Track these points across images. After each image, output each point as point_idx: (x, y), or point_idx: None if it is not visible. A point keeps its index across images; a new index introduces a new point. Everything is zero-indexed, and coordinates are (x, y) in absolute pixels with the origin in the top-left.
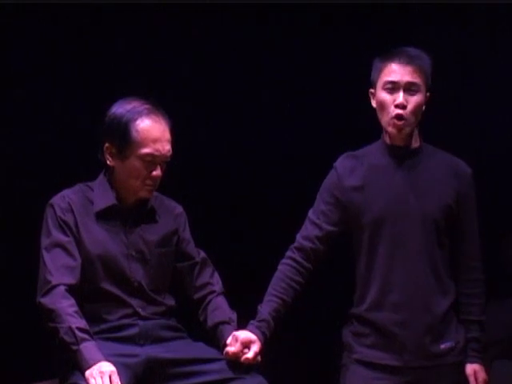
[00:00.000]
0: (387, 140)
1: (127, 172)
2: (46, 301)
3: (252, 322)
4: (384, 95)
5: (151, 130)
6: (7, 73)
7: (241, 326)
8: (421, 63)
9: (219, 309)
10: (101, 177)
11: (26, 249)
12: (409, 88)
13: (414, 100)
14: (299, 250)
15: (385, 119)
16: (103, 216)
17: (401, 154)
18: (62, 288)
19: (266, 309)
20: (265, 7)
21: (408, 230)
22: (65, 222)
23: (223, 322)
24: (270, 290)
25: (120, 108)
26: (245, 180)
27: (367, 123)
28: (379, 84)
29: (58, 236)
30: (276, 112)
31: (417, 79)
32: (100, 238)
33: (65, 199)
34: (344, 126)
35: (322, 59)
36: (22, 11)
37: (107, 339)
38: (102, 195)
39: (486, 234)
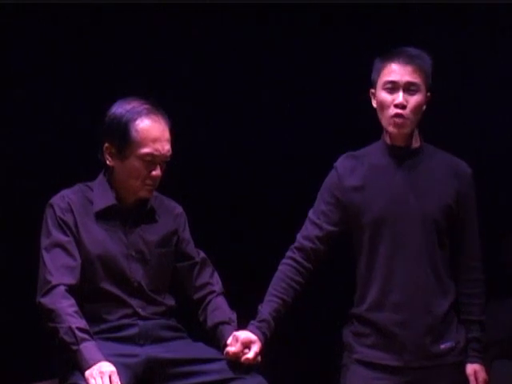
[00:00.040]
0: (387, 140)
1: (127, 172)
2: (46, 301)
3: (252, 322)
4: (384, 95)
5: (151, 129)
6: (7, 73)
7: (241, 326)
8: (421, 63)
9: (219, 309)
10: (100, 177)
11: (26, 249)
12: (408, 88)
13: (414, 100)
14: (299, 250)
15: (385, 119)
16: (103, 216)
17: (401, 154)
18: (62, 288)
19: (266, 309)
20: (265, 7)
21: (408, 230)
22: (64, 222)
23: (223, 322)
24: (270, 290)
25: (119, 108)
26: (245, 180)
27: (367, 123)
28: (379, 84)
29: (58, 236)
30: (276, 112)
31: (417, 79)
32: (100, 238)
33: (64, 199)
34: (344, 125)
35: (322, 59)
36: (22, 11)
37: (107, 339)
38: (101, 195)
39: (486, 234)
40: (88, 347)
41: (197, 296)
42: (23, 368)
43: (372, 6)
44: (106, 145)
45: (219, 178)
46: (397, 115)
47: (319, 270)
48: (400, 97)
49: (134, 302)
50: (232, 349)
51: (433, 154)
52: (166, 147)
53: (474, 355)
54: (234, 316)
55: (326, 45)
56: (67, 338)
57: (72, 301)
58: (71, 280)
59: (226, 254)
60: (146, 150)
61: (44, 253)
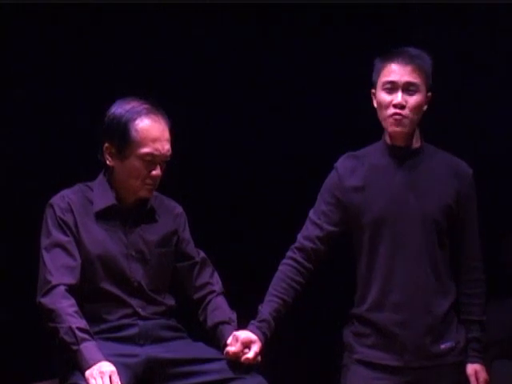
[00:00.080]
0: (388, 140)
1: (127, 172)
2: (46, 301)
3: (252, 322)
4: (383, 95)
5: (150, 129)
6: (7, 73)
7: (241, 325)
8: (421, 63)
9: (219, 309)
10: (100, 177)
11: (26, 249)
12: (407, 88)
13: (413, 100)
14: (300, 250)
15: (384, 119)
16: (103, 216)
17: (401, 155)
18: (62, 288)
19: (266, 309)
20: (265, 7)
21: (408, 231)
22: (64, 222)
23: (223, 322)
24: (270, 290)
25: (119, 108)
26: (245, 180)
27: (367, 123)
28: (379, 84)
29: (58, 236)
30: (276, 112)
31: (416, 79)
32: (100, 238)
33: (64, 199)
34: (344, 126)
35: (322, 59)
36: (22, 11)
37: (107, 339)
38: (101, 195)
39: (486, 234)
40: (88, 347)
41: (197, 296)
42: (23, 368)
43: (372, 6)
44: (106, 145)
45: (219, 178)
46: (395, 115)
47: (319, 270)
48: (399, 97)
49: (134, 302)
50: (232, 349)
51: (433, 154)
52: (165, 147)
53: (475, 355)
54: (234, 316)
55: (326, 45)
56: (67, 338)
57: (72, 301)
58: (71, 280)
59: (226, 254)
60: (145, 150)
61: (44, 253)
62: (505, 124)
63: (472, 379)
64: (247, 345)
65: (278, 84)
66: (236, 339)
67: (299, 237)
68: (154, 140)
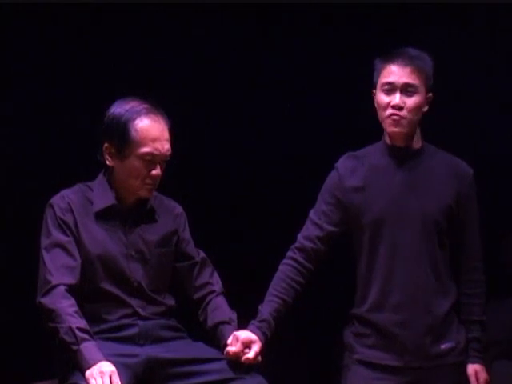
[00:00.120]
0: (388, 141)
1: (127, 172)
2: (46, 301)
3: (253, 322)
4: (382, 96)
5: (150, 129)
6: (7, 73)
7: (241, 325)
8: (420, 64)
9: (219, 309)
10: (100, 177)
11: (26, 249)
12: (406, 89)
13: (412, 101)
14: (300, 250)
15: (383, 120)
16: (103, 216)
17: (401, 155)
18: (62, 288)
19: (266, 309)
20: (265, 7)
21: (408, 231)
22: (64, 222)
23: (223, 322)
24: (270, 290)
25: (119, 108)
26: (245, 180)
27: (367, 123)
28: (379, 85)
29: (58, 236)
30: (276, 112)
31: (415, 80)
32: (100, 238)
33: (64, 199)
34: (344, 126)
35: (322, 59)
36: (22, 11)
37: (107, 339)
38: (101, 195)
39: (486, 234)
40: (88, 347)
41: (197, 296)
42: (23, 368)
43: (372, 6)
44: (106, 145)
45: (219, 178)
46: (393, 116)
47: (319, 270)
48: (397, 98)
49: (134, 302)
50: (232, 348)
51: (433, 154)
52: (165, 146)
53: (475, 355)
54: (234, 316)
55: (326, 45)
56: (67, 338)
57: (72, 301)
58: (71, 280)
59: (226, 254)
60: (145, 150)
61: (44, 253)
62: (505, 124)
63: (472, 379)
64: (247, 345)
65: (277, 84)
66: (236, 339)
67: (299, 237)
68: (154, 140)
